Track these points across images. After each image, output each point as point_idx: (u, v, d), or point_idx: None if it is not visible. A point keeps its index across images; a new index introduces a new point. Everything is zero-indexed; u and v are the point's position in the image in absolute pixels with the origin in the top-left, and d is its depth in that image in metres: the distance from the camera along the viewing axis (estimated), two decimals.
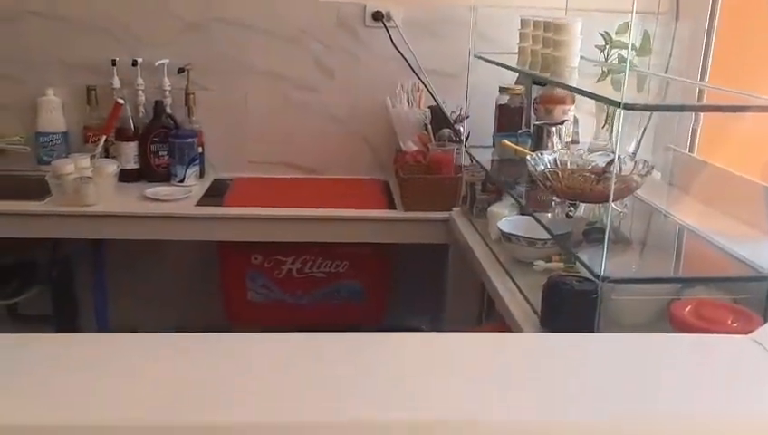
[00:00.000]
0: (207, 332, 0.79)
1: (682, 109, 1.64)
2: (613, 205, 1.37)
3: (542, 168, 1.39)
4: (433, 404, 0.69)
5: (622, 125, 1.26)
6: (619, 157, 1.23)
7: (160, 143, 2.23)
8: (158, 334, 0.81)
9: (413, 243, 2.12)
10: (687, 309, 1.06)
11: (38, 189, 2.03)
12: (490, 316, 2.04)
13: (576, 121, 1.91)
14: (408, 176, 2.04)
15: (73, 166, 2.02)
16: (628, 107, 1.06)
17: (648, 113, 1.65)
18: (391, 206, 2.11)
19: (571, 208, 1.39)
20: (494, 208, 1.73)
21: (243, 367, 0.74)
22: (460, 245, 1.87)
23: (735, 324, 1.02)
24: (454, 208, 2.00)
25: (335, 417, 0.66)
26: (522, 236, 1.55)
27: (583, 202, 1.39)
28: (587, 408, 0.70)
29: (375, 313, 2.27)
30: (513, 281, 1.51)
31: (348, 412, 0.67)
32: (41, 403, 0.66)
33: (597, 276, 1.11)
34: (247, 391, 0.69)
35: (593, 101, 1.86)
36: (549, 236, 1.50)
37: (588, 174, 1.33)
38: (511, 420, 0.68)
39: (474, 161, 1.91)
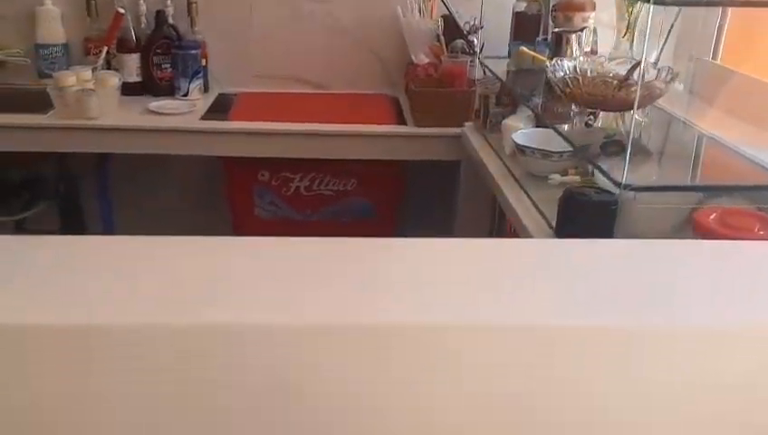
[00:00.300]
0: None
1: (711, 3, 1.55)
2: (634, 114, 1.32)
3: (562, 74, 1.33)
4: (443, 308, 0.66)
5: (649, 25, 1.19)
6: (643, 60, 1.17)
7: (163, 55, 2.16)
8: (161, 236, 0.78)
9: (424, 160, 2.07)
10: (712, 217, 1.02)
11: (40, 102, 1.99)
12: (501, 234, 2.01)
13: (595, 31, 1.82)
14: (419, 89, 1.97)
15: (75, 78, 1.97)
16: (657, 2, 1.00)
17: (673, 16, 1.56)
18: (401, 121, 2.05)
19: (591, 118, 1.33)
20: (509, 121, 1.67)
21: (248, 268, 0.71)
22: (472, 161, 1.82)
23: (762, 232, 0.98)
24: (466, 123, 1.94)
25: (340, 320, 0.64)
26: (537, 149, 1.50)
27: (604, 110, 1.33)
28: (600, 313, 0.66)
29: (384, 230, 2.24)
30: (527, 195, 1.47)
31: (353, 315, 0.64)
32: (39, 303, 0.63)
33: (618, 184, 1.06)
34: (251, 291, 0.67)
35: (613, 11, 1.77)
36: (565, 149, 1.45)
37: (610, 80, 1.26)
38: (522, 324, 0.65)
39: (487, 72, 1.84)
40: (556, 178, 1.45)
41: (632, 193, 1.06)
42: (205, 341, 0.62)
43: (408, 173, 2.24)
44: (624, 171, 1.05)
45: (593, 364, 0.66)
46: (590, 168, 1.46)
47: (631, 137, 1.09)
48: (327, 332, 0.63)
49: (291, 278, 0.69)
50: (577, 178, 1.45)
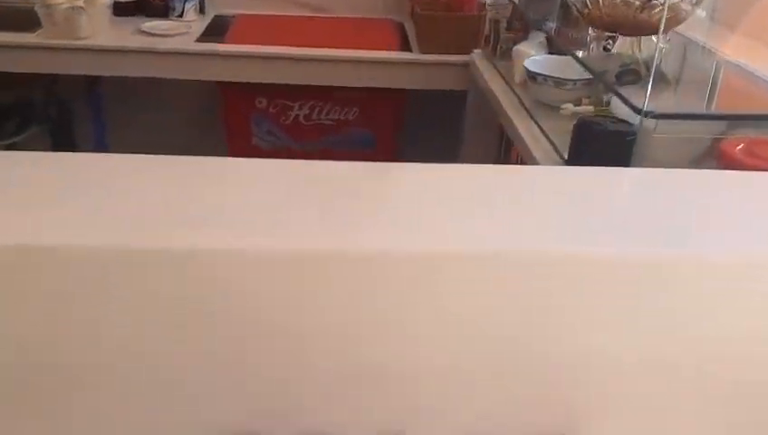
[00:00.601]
0: None
1: None
2: (655, 39, 1.24)
3: None
4: (452, 235, 0.60)
5: None
6: None
7: None
8: (150, 156, 0.72)
9: (429, 89, 1.99)
10: (739, 147, 0.96)
11: (28, 21, 1.90)
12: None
13: None
14: (425, 13, 1.87)
15: None
16: None
17: None
18: (406, 48, 1.96)
19: (609, 42, 1.25)
20: (520, 47, 1.58)
21: (240, 191, 0.66)
22: (480, 90, 1.74)
23: None
24: (475, 51, 1.85)
25: (340, 246, 0.58)
26: (549, 77, 1.42)
27: (624, 34, 1.25)
28: (617, 241, 0.61)
29: (386, 161, 2.17)
30: (537, 125, 1.40)
31: (352, 241, 0.59)
32: (21, 223, 0.57)
33: (638, 112, 0.99)
34: (237, 215, 0.61)
35: None
36: (579, 77, 1.38)
37: (632, 0, 1.18)
38: (535, 250, 0.60)
39: None
40: (569, 107, 1.38)
41: (653, 121, 0.99)
42: (187, 266, 0.57)
43: (411, 103, 2.15)
44: (645, 97, 0.98)
45: (602, 294, 0.61)
46: (604, 98, 1.39)
47: (655, 61, 1.01)
48: (316, 258, 0.58)
49: (280, 202, 0.64)
50: (590, 108, 1.38)
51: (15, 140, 2.20)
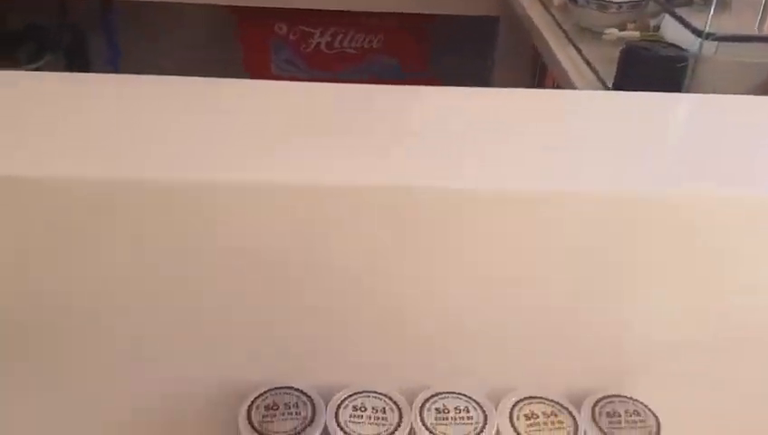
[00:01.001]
0: None
1: None
2: None
3: None
4: (502, 171, 0.53)
5: None
6: None
7: None
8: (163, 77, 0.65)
9: (457, 15, 1.87)
10: None
11: None
12: None
13: None
14: None
15: None
16: None
17: None
18: None
19: None
20: None
21: (257, 117, 0.59)
22: (514, 15, 1.62)
23: None
24: None
25: (365, 180, 0.51)
26: None
27: None
28: (686, 179, 0.53)
29: None
30: (578, 52, 1.30)
31: (386, 176, 0.52)
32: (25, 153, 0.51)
33: (699, 33, 0.89)
34: (259, 144, 0.54)
35: None
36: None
37: None
38: (596, 191, 0.52)
39: None
40: (613, 32, 1.28)
41: (714, 44, 0.89)
42: (197, 200, 0.51)
43: (439, 29, 2.04)
44: (708, 17, 0.88)
45: (652, 237, 0.53)
46: (652, 23, 1.28)
47: None
48: (334, 193, 0.51)
49: (297, 129, 0.56)
50: (636, 33, 1.28)
51: (31, 66, 2.14)
